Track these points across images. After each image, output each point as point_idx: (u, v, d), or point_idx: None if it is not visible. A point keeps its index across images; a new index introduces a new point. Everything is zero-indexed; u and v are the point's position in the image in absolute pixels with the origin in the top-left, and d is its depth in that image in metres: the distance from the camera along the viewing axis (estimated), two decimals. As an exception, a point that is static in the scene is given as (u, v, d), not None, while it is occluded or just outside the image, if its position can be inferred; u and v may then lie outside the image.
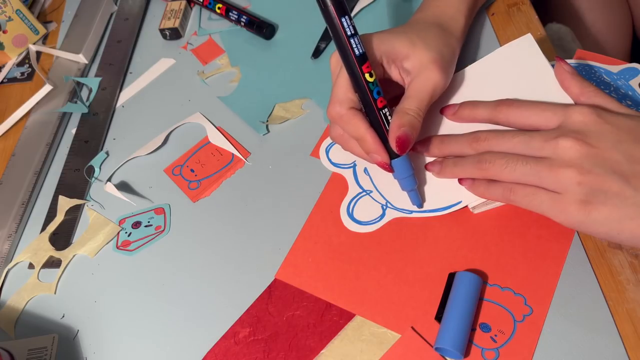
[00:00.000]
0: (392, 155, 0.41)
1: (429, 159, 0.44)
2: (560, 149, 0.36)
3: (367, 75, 0.40)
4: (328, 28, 0.39)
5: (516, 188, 0.38)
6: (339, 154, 0.49)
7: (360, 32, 0.40)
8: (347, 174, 0.47)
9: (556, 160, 0.36)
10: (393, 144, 0.40)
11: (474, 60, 0.47)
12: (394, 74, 0.44)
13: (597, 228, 0.35)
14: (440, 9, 0.47)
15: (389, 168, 0.42)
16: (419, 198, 0.43)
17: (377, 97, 0.40)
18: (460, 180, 0.42)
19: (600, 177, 0.35)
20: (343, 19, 0.38)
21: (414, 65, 0.42)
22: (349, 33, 0.39)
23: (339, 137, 0.44)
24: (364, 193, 0.46)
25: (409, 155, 0.42)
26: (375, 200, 0.45)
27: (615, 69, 0.46)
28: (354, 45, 0.39)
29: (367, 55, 0.40)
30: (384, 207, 0.45)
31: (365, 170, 0.47)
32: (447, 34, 0.45)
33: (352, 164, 0.48)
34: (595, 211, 0.34)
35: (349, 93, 0.41)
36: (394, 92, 0.46)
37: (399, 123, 0.40)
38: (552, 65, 0.42)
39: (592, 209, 0.34)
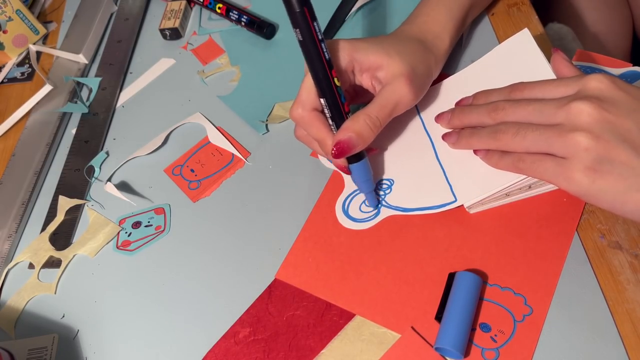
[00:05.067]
0: (350, 159, 0.42)
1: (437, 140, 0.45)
2: (572, 113, 0.35)
3: (335, 80, 0.40)
4: (298, 31, 0.38)
5: (525, 156, 0.38)
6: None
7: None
8: (347, 174, 0.47)
9: (567, 125, 0.35)
10: (334, 146, 0.40)
11: (473, 60, 0.47)
12: (365, 81, 0.44)
13: (601, 197, 0.34)
14: (427, 25, 0.46)
15: (347, 170, 0.43)
16: (375, 200, 0.45)
17: (344, 101, 0.41)
18: (475, 151, 0.42)
19: (609, 144, 0.34)
20: (315, 23, 0.38)
21: (386, 76, 0.42)
22: (320, 37, 0.39)
23: (303, 137, 0.45)
24: (360, 191, 0.46)
25: (367, 160, 0.43)
26: (372, 199, 0.45)
27: (616, 71, 0.46)
28: (324, 50, 0.39)
29: (332, 62, 0.40)
30: (379, 205, 0.45)
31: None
32: (427, 52, 0.45)
33: (352, 164, 0.48)
34: (600, 179, 0.34)
35: (311, 95, 0.41)
36: (362, 100, 0.47)
37: (348, 128, 0.40)
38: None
39: (597, 177, 0.34)
